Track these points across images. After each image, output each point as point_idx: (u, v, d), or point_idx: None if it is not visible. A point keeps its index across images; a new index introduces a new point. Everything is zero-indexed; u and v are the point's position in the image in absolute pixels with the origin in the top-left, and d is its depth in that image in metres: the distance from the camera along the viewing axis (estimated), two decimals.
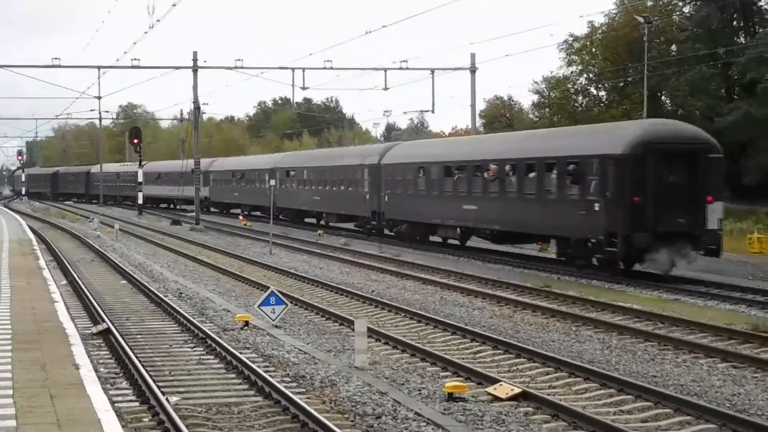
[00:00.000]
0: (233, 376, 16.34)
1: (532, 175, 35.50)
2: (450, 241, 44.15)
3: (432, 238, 45.37)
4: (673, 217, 30.25)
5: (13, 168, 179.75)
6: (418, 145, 54.65)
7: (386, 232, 49.08)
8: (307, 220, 62.63)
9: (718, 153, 31.57)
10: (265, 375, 15.50)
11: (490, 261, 38.30)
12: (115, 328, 20.11)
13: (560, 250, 35.43)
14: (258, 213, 69.80)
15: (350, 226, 55.15)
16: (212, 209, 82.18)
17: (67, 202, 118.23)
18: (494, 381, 15.61)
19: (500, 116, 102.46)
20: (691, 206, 30.46)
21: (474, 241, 42.99)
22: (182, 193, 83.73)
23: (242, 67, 60.42)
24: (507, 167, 37.27)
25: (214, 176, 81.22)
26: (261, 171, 68.54)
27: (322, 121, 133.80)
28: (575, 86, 77.82)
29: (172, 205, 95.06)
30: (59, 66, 59.96)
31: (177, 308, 23.42)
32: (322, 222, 59.50)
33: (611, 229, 30.68)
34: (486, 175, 38.49)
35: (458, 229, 42.12)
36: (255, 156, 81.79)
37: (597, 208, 31.23)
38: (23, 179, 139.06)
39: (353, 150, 62.97)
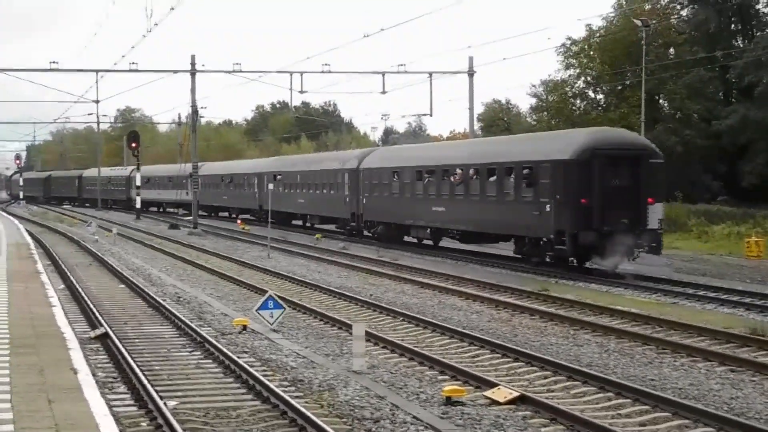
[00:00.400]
0: (231, 380, 16.34)
1: (492, 179, 37.92)
2: (425, 241, 46.39)
3: (406, 239, 47.67)
4: (617, 217, 32.37)
5: (10, 172, 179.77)
6: (392, 151, 56.78)
7: (365, 233, 51.40)
8: (294, 222, 64.91)
9: (658, 158, 34.38)
10: (263, 379, 15.51)
11: (488, 264, 38.31)
12: (113, 332, 20.11)
13: (517, 248, 37.67)
14: (247, 216, 72.29)
15: (333, 227, 57.35)
16: (200, 212, 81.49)
17: (64, 206, 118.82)
18: (492, 385, 15.62)
19: (498, 120, 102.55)
20: (634, 207, 32.72)
21: (446, 242, 44.96)
22: (171, 197, 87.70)
23: (240, 71, 60.42)
24: (471, 171, 39.74)
25: (201, 180, 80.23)
26: (250, 175, 71.83)
27: (320, 125, 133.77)
28: (573, 90, 77.82)
29: (161, 209, 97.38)
30: (57, 69, 59.90)
31: (175, 312, 23.42)
32: (308, 224, 61.96)
33: (560, 228, 33.04)
34: (452, 179, 40.95)
35: (428, 230, 44.60)
36: (243, 161, 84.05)
37: (548, 209, 33.54)
38: (21, 183, 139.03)
39: (334, 155, 65.00)
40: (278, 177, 65.54)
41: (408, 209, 45.32)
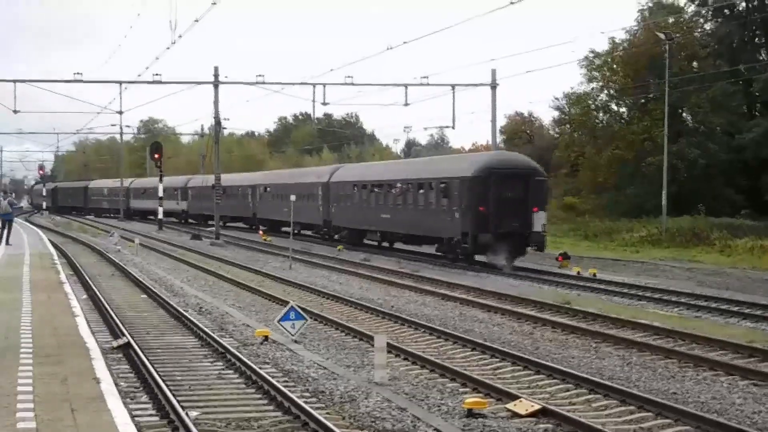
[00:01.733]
0: (253, 391, 16.36)
1: (421, 191, 46.87)
2: (384, 243, 53.96)
3: (366, 241, 55.22)
4: (509, 222, 40.63)
5: (33, 182, 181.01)
6: (354, 168, 66.20)
7: (335, 237, 58.50)
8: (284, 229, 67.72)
9: (542, 176, 43.31)
10: (285, 390, 15.52)
11: (510, 276, 38.31)
12: (136, 342, 20.16)
13: (438, 248, 45.56)
14: (240, 224, 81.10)
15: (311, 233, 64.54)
16: (190, 220, 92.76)
17: (68, 216, 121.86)
18: (514, 397, 15.59)
19: (521, 132, 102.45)
20: (522, 214, 40.80)
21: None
22: (171, 207, 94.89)
23: (263, 83, 60.54)
24: (407, 186, 48.48)
25: (191, 192, 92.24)
26: (244, 187, 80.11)
27: (342, 137, 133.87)
28: (596, 102, 77.74)
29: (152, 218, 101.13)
30: (81, 81, 60.14)
31: (197, 323, 23.46)
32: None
33: (465, 230, 41.59)
34: (394, 191, 49.59)
35: (378, 233, 53.06)
36: (234, 174, 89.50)
37: (457, 216, 42.33)
38: (44, 193, 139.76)
39: (312, 170, 72.91)
40: (268, 189, 73.59)
41: (364, 216, 53.70)
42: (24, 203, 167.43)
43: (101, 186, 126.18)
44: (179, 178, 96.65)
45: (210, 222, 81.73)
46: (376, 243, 54.02)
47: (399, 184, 48.94)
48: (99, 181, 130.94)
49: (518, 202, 40.97)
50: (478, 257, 42.44)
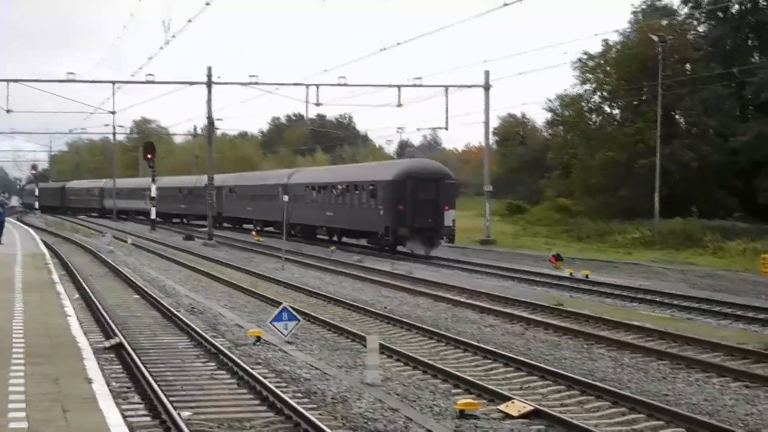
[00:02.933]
0: (245, 391, 16.35)
1: (356, 192, 54.34)
2: (334, 237, 60.42)
3: (318, 236, 62.23)
4: (423, 219, 48.41)
5: (24, 182, 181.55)
6: (307, 171, 74.53)
7: (293, 233, 63.33)
8: (245, 226, 78.15)
9: (452, 180, 51.24)
10: (277, 390, 15.52)
11: (502, 278, 38.37)
12: (128, 342, 20.15)
13: (368, 240, 53.74)
14: (203, 222, 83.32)
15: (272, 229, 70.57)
16: (158, 218, 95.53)
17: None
18: (506, 398, 15.59)
19: (514, 134, 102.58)
20: (435, 212, 48.57)
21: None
22: (136, 206, 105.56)
23: (257, 83, 60.56)
24: (345, 187, 56.04)
25: (161, 192, 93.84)
26: (201, 189, 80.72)
27: (335, 138, 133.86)
28: (589, 104, 77.82)
29: (124, 216, 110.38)
30: (74, 81, 60.14)
31: (189, 323, 23.45)
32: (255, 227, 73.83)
33: (387, 225, 49.29)
34: (335, 192, 57.02)
35: (324, 228, 60.89)
36: (199, 176, 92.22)
37: (381, 213, 49.64)
38: (36, 193, 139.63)
39: (274, 173, 79.09)
40: (234, 190, 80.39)
41: (314, 214, 61.32)
42: (15, 203, 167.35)
43: (78, 186, 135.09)
44: (147, 179, 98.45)
45: (174, 220, 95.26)
46: (326, 237, 61.30)
47: (339, 186, 57.34)
48: (75, 182, 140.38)
49: (431, 202, 48.80)
50: (399, 248, 50.31)
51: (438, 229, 48.60)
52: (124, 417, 13.30)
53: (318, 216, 60.41)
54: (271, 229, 70.81)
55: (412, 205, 48.45)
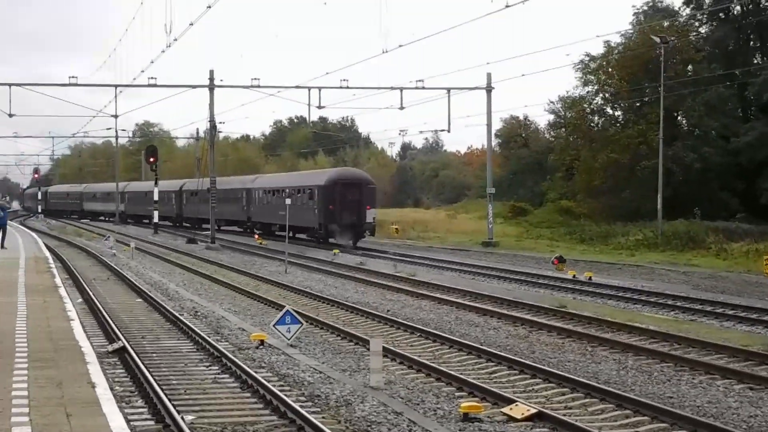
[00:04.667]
0: (248, 395, 16.34)
1: (299, 194, 64.03)
2: (300, 234, 67.37)
3: (276, 233, 69.42)
4: (349, 216, 59.20)
5: (23, 186, 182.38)
6: (266, 177, 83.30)
7: (255, 230, 73.01)
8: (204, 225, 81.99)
9: (372, 185, 62.19)
10: (281, 394, 15.50)
11: (505, 280, 38.37)
12: (131, 346, 20.14)
13: (307, 235, 63.99)
14: (167, 222, 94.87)
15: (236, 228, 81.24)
16: (128, 220, 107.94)
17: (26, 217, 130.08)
18: (510, 401, 15.58)
19: (516, 136, 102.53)
20: (358, 211, 59.41)
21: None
22: (106, 209, 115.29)
23: (258, 86, 60.45)
24: (291, 190, 64.58)
25: (128, 195, 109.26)
26: (169, 192, 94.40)
27: (337, 140, 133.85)
28: (591, 106, 77.79)
29: (102, 217, 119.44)
30: (76, 84, 60.11)
31: (192, 327, 23.44)
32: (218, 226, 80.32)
33: (321, 222, 59.96)
34: (284, 194, 63.55)
35: (278, 226, 68.45)
36: (163, 181, 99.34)
37: (316, 212, 59.39)
38: (39, 197, 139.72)
39: (238, 178, 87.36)
40: (193, 194, 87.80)
41: (270, 213, 70.99)
42: (16, 206, 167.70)
43: (59, 191, 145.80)
44: (121, 184, 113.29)
45: (145, 221, 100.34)
46: (282, 233, 67.77)
47: (288, 189, 66.13)
48: (57, 186, 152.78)
49: (355, 202, 59.47)
50: (331, 240, 59.97)
51: (361, 225, 59.69)
52: (128, 421, 13.29)
53: (273, 215, 69.71)
54: (235, 228, 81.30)
55: (339, 205, 59.31)
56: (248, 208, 76.54)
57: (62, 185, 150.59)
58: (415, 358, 19.73)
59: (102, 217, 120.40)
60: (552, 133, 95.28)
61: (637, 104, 72.56)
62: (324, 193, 60.22)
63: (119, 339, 21.00)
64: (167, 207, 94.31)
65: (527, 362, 19.27)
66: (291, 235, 63.02)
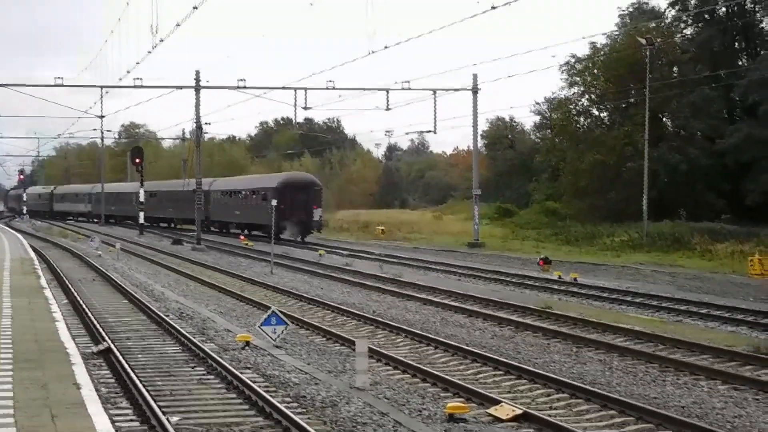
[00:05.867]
0: (234, 396, 16.34)
1: (254, 196, 70.30)
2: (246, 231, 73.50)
3: (232, 231, 77.39)
4: (298, 215, 65.87)
5: (7, 188, 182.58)
6: (223, 180, 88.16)
7: (212, 228, 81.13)
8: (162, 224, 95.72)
9: (319, 187, 70.45)
10: (266, 395, 15.50)
11: (491, 281, 38.41)
12: (116, 347, 20.12)
13: (261, 231, 67.37)
14: (129, 221, 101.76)
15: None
16: (94, 219, 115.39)
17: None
18: (495, 402, 15.60)
19: (502, 137, 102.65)
20: (306, 210, 66.37)
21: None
22: (76, 209, 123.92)
23: (245, 87, 60.42)
24: (247, 193, 70.87)
25: (94, 197, 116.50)
26: (130, 193, 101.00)
27: (323, 142, 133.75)
28: (577, 107, 77.87)
29: (72, 218, 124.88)
30: (61, 85, 59.99)
31: (178, 328, 23.43)
32: (174, 225, 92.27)
33: (274, 220, 57.95)
34: (240, 196, 70.30)
35: (235, 224, 77.27)
36: (127, 183, 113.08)
37: (269, 211, 56.03)
38: (24, 198, 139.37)
39: (193, 181, 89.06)
40: (154, 195, 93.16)
41: (227, 213, 78.75)
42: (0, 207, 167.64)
43: (32, 192, 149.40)
44: (86, 185, 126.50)
45: (110, 220, 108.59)
46: (237, 231, 76.50)
47: (244, 191, 73.17)
48: (31, 188, 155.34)
49: (303, 202, 66.51)
50: (282, 236, 65.47)
51: (309, 222, 67.12)
52: (113, 422, 13.27)
53: (229, 214, 78.14)
54: (191, 225, 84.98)
55: (289, 205, 64.63)
56: (206, 208, 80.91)
57: (36, 187, 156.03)
58: (401, 359, 19.76)
59: (70, 218, 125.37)
60: (538, 134, 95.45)
61: (623, 106, 72.67)
62: (276, 195, 63.40)
63: (105, 340, 20.98)
64: (129, 207, 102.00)
65: (513, 363, 19.31)
66: (247, 232, 73.34)
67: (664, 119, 72.74)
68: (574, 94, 77.04)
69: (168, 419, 13.93)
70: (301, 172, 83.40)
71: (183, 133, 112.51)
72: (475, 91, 64.30)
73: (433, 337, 22.94)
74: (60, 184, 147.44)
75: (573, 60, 75.29)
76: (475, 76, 64.24)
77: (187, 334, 22.29)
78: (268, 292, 34.09)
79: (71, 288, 32.86)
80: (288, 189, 66.58)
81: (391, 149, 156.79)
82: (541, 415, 14.79)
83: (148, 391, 15.71)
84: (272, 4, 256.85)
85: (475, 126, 66.73)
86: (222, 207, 79.99)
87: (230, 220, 78.62)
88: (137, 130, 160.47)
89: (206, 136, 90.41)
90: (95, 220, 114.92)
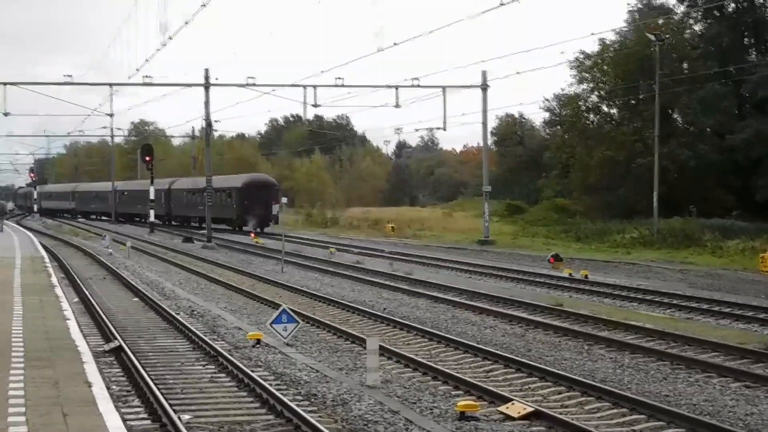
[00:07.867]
0: (245, 394, 16.34)
1: (218, 194, 75.80)
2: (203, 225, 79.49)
3: (192, 224, 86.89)
4: (259, 210, 75.13)
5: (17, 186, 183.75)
6: (183, 180, 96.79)
7: (174, 222, 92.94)
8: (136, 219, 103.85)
9: (277, 187, 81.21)
10: (277, 393, 15.50)
11: (501, 278, 38.39)
12: (127, 345, 20.14)
13: (227, 224, 79.22)
14: (105, 218, 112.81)
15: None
16: (78, 216, 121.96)
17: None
18: (506, 400, 15.58)
19: (512, 134, 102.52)
20: (266, 206, 72.55)
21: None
22: (61, 207, 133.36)
23: (254, 85, 60.38)
24: (213, 191, 71.42)
25: (78, 195, 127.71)
26: (106, 192, 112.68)
27: (333, 139, 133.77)
28: (586, 104, 77.72)
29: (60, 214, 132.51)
30: (71, 83, 60.08)
31: (189, 326, 23.45)
32: (142, 220, 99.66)
33: (238, 214, 76.83)
34: (205, 194, 69.00)
35: (197, 218, 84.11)
36: (103, 182, 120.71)
37: (234, 207, 74.33)
38: (35, 196, 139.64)
39: (161, 180, 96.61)
40: (126, 193, 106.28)
41: (188, 209, 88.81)
42: (10, 206, 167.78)
43: (21, 192, 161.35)
44: (70, 185, 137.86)
45: (93, 216, 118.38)
46: (197, 224, 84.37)
47: (209, 190, 75.77)
48: (21, 188, 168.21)
49: (264, 199, 73.93)
50: (245, 228, 75.33)
51: (268, 216, 74.95)
52: (124, 420, 13.30)
53: (191, 210, 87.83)
54: (157, 221, 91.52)
55: (251, 202, 76.47)
56: (167, 205, 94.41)
57: (54, 185, 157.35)
58: (412, 356, 19.74)
59: (93, 216, 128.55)
60: (547, 130, 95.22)
61: (633, 102, 72.50)
62: (240, 193, 78.94)
63: (115, 338, 21.00)
64: (104, 204, 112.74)
65: (524, 361, 19.28)
66: (204, 225, 79.02)
67: (674, 115, 72.54)
68: (583, 90, 76.93)
69: (179, 417, 13.94)
70: (262, 174, 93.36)
71: (192, 131, 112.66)
72: (484, 88, 64.24)
73: (443, 334, 22.92)
74: (69, 182, 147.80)
75: (582, 56, 75.18)
76: (484, 73, 64.21)
77: (197, 332, 22.31)
78: (278, 290, 34.09)
79: (82, 286, 32.90)
80: (251, 188, 78.60)
81: (401, 146, 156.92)
82: (552, 413, 14.77)
83: (159, 389, 15.72)
84: (281, 2, 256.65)
85: (484, 123, 66.69)
86: (184, 205, 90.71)
87: (192, 215, 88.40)
88: (147, 128, 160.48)
89: (216, 134, 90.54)
90: (79, 216, 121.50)
